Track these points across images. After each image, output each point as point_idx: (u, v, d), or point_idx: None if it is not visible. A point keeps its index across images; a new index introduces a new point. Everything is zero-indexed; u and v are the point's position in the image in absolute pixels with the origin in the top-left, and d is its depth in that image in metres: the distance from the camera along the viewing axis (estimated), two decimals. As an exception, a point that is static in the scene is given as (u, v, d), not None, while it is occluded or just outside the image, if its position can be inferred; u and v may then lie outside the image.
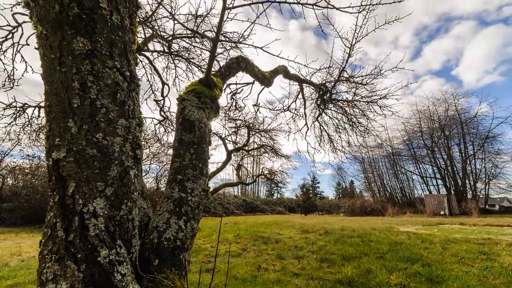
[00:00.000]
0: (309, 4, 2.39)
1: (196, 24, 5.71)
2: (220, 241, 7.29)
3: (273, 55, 3.76)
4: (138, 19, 5.42)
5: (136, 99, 1.33)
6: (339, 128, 6.16)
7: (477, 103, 29.81)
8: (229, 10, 2.74)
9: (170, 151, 11.92)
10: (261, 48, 3.37)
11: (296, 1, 2.36)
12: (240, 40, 4.58)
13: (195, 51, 6.23)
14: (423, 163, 30.64)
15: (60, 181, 1.08)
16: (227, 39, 5.26)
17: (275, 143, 12.01)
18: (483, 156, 27.07)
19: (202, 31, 5.96)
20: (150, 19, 5.22)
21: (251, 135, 11.28)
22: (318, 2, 2.39)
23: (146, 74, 6.63)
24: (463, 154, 28.28)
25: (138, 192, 1.37)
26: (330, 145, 6.41)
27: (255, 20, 2.67)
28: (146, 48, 5.13)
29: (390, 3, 2.82)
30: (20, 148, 16.93)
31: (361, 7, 2.91)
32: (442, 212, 24.24)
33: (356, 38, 4.51)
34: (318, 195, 43.12)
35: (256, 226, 11.99)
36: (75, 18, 1.04)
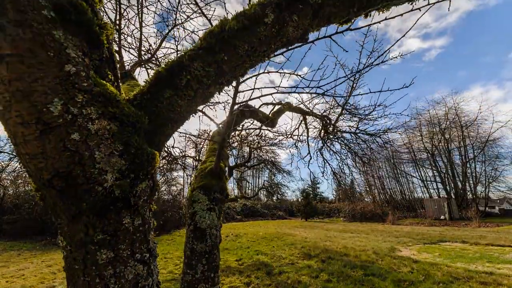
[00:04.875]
0: (320, 94, 2.40)
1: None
2: (222, 269, 7.35)
3: (273, 103, 3.86)
4: (141, 57, 5.20)
5: (154, 266, 1.34)
6: (342, 163, 6.19)
7: (477, 106, 29.79)
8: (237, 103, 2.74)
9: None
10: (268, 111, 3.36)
11: (303, 91, 2.37)
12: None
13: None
14: (423, 167, 30.77)
15: None
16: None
17: (275, 160, 12.07)
18: (483, 159, 27.20)
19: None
20: (154, 56, 5.13)
21: (252, 151, 11.31)
22: (328, 90, 2.41)
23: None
24: (463, 158, 28.39)
25: None
26: (334, 178, 6.45)
27: (261, 126, 2.69)
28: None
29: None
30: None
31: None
32: (442, 217, 24.35)
33: (360, 72, 4.52)
34: (318, 196, 43.27)
35: (258, 241, 12.09)
36: (100, 240, 1.05)
